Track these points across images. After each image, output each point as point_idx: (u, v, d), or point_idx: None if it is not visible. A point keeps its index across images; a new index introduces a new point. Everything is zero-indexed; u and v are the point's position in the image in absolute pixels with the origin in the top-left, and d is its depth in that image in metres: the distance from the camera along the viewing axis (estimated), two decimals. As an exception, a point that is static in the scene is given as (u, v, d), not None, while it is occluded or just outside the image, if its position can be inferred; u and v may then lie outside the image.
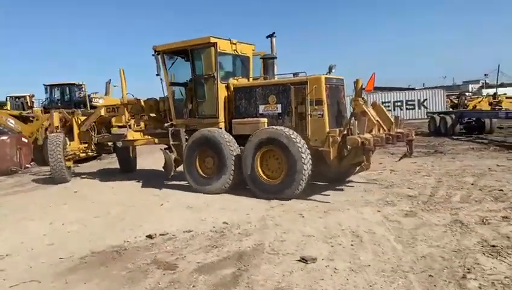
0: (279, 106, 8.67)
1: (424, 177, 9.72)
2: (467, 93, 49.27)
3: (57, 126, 12.52)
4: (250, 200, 8.01)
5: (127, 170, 13.18)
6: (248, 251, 5.27)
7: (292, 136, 7.83)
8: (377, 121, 8.26)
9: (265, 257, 5.02)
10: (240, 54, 9.88)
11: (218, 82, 9.16)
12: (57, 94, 23.97)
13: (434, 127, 21.93)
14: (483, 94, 44.26)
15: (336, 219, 6.52)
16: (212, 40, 9.06)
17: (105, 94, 24.17)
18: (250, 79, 9.91)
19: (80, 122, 12.35)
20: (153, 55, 9.90)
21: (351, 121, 7.77)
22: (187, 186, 9.35)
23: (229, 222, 6.55)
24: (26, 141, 15.42)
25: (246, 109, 9.10)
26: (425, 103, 39.32)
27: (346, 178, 9.59)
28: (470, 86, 78.56)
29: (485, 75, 79.88)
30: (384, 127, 8.31)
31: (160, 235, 6.08)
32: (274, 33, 10.00)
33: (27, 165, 14.96)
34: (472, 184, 8.65)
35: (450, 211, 6.69)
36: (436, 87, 45.73)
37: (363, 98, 8.21)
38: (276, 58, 9.78)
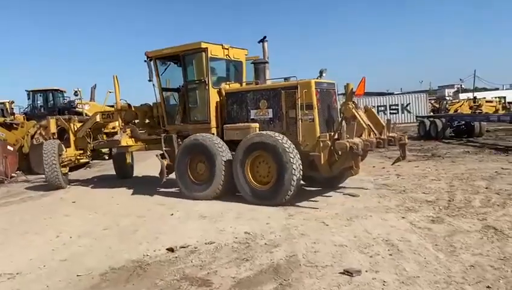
0: (270, 110, 8.60)
1: (434, 181, 9.59)
2: (447, 98, 50.26)
3: (54, 133, 12.45)
4: (266, 208, 7.68)
5: (124, 176, 13.08)
6: (282, 263, 4.95)
7: (281, 140, 7.74)
8: (368, 125, 8.21)
9: (304, 270, 4.71)
10: (232, 59, 9.82)
11: (210, 87, 9.09)
12: (39, 100, 23.13)
13: (424, 130, 22.09)
14: (459, 98, 45.17)
15: (362, 226, 6.26)
16: (203, 45, 9.01)
17: (90, 100, 23.46)
18: (244, 84, 9.80)
19: (75, 128, 12.26)
20: (145, 61, 9.80)
21: (341, 126, 7.68)
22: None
23: (250, 232, 6.22)
24: (11, 149, 14.76)
25: (238, 114, 9.02)
26: (408, 107, 39.83)
27: (339, 183, 9.44)
28: (446, 90, 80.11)
29: (461, 80, 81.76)
30: (375, 131, 8.26)
31: (181, 247, 5.71)
32: (265, 37, 9.98)
33: (13, 175, 14.32)
34: (486, 188, 8.54)
35: (476, 216, 6.52)
36: (418, 92, 46.41)
37: (353, 102, 8.16)
38: (267, 63, 9.76)
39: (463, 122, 21.41)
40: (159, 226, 6.86)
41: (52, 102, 22.97)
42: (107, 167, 16.27)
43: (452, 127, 21.12)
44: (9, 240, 6.58)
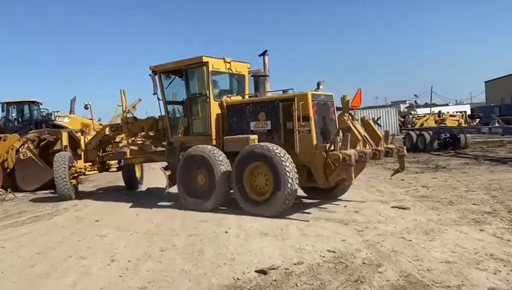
0: (268, 122, 8.74)
1: (470, 192, 9.48)
2: (412, 112, 51.86)
3: (66, 145, 12.77)
4: (326, 223, 7.26)
5: (132, 187, 13.45)
6: (404, 284, 4.51)
7: (277, 151, 7.79)
8: (364, 136, 8.24)
9: (438, 290, 4.30)
10: (234, 72, 9.99)
11: (211, 100, 9.26)
12: (14, 113, 21.57)
13: (410, 143, 22.34)
14: (417, 113, 46.77)
15: (448, 240, 5.93)
16: (204, 59, 9.21)
17: (70, 112, 22.21)
18: (246, 96, 9.94)
19: (86, 141, 12.61)
20: (149, 75, 10.04)
21: (335, 137, 7.76)
22: (227, 209, 8.65)
23: (335, 251, 5.73)
24: (-6, 165, 13.62)
25: (238, 125, 9.18)
26: (379, 121, 40.66)
27: (340, 195, 9.38)
28: (401, 105, 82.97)
29: (415, 95, 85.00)
30: (371, 143, 8.29)
31: (271, 269, 5.15)
32: (266, 51, 10.17)
33: (-1, 192, 13.14)
34: (530, 197, 8.50)
35: (555, 227, 6.38)
36: (388, 106, 47.56)
37: (350, 114, 8.25)
38: (267, 76, 9.90)
39: (448, 134, 21.87)
40: (224, 246, 6.22)
41: (28, 115, 21.49)
42: (99, 182, 15.34)
43: (439, 139, 21.51)
44: (61, 266, 5.74)
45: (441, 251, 5.50)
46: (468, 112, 52.59)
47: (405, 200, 8.92)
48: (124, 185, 13.73)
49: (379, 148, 8.29)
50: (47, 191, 13.44)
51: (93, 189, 14.17)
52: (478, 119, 46.55)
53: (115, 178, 15.59)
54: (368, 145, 8.19)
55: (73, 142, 15.75)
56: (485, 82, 69.80)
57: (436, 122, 34.26)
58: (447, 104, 73.70)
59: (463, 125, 32.62)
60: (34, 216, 9.61)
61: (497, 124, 28.14)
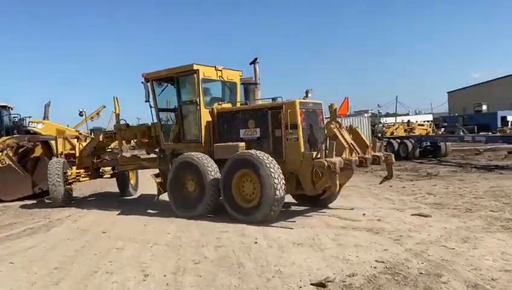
0: (258, 130, 8.77)
1: (480, 199, 9.54)
2: (382, 120, 52.93)
3: (61, 152, 12.90)
4: (355, 232, 7.03)
5: (126, 194, 13.40)
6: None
7: (264, 159, 7.81)
8: (351, 144, 8.30)
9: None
10: (226, 80, 10.02)
11: (202, 107, 9.31)
12: (-19, 118, 20.23)
13: (392, 151, 22.58)
14: (382, 122, 47.90)
15: (493, 248, 5.83)
16: (195, 67, 9.24)
17: (44, 118, 21.11)
18: (238, 104, 9.97)
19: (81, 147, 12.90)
20: (142, 82, 10.06)
21: (321, 145, 7.87)
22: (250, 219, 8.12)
23: (383, 261, 5.50)
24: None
25: (228, 133, 9.21)
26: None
27: (329, 202, 9.36)
28: (365, 115, 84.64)
29: (378, 105, 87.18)
30: (358, 151, 8.34)
31: (327, 281, 4.86)
32: (256, 59, 10.20)
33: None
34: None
35: None
36: (360, 114, 48.28)
37: (337, 122, 8.29)
38: (256, 84, 9.96)
39: (429, 143, 22.28)
40: (262, 257, 5.87)
41: (-2, 120, 20.23)
42: (85, 190, 14.60)
43: (421, 147, 21.87)
44: (91, 283, 5.22)
45: (492, 259, 5.39)
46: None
47: (420, 208, 8.84)
48: (111, 191, 13.78)
49: (366, 156, 8.32)
50: (30, 202, 12.69)
51: (80, 197, 13.65)
52: (443, 129, 48.11)
53: (101, 185, 15.13)
54: (354, 153, 8.22)
55: (50, 149, 15.19)
56: (447, 92, 72.34)
57: (405, 130, 35.01)
58: (407, 114, 75.83)
59: (431, 133, 33.54)
60: (28, 228, 8.92)
61: (462, 133, 29.21)
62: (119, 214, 10.10)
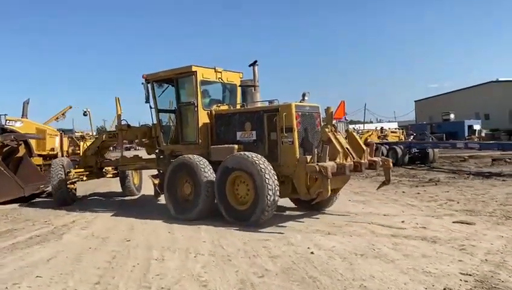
0: (254, 132, 8.73)
1: (508, 206, 9.35)
2: (351, 127, 53.47)
3: (66, 151, 13.73)
4: (411, 241, 6.60)
5: (128, 193, 13.33)
6: None
7: (257, 162, 7.73)
8: (346, 149, 8.20)
9: None
10: (225, 82, 9.98)
11: (199, 109, 9.24)
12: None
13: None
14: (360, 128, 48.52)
15: None
16: (194, 68, 9.20)
17: (22, 116, 19.72)
18: (238, 106, 9.89)
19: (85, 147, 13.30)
20: (142, 83, 10.06)
21: (316, 149, 7.75)
22: (290, 227, 7.70)
23: (469, 273, 5.08)
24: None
25: (225, 135, 9.14)
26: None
27: (326, 207, 9.24)
28: (344, 121, 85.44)
29: (345, 113, 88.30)
30: (354, 155, 8.25)
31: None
32: (256, 61, 9.99)
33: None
34: None
35: None
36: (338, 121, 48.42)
37: (333, 126, 8.25)
38: (254, 86, 9.82)
39: (418, 149, 22.38)
40: (333, 270, 5.33)
41: (-28, 118, 18.72)
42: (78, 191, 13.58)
43: (410, 153, 21.93)
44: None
45: None
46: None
47: (455, 215, 8.56)
48: (107, 191, 13.93)
49: (361, 160, 8.22)
50: (16, 205, 11.68)
51: (79, 196, 13.03)
52: (412, 136, 49.16)
53: (96, 184, 14.83)
54: (349, 158, 8.07)
55: (29, 149, 14.44)
56: (415, 101, 74.00)
57: (378, 137, 35.41)
58: (370, 122, 77.30)
59: (403, 140, 34.03)
60: (35, 235, 8.01)
61: (431, 140, 29.77)
62: (129, 217, 9.42)
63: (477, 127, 48.51)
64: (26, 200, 12.39)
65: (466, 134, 46.17)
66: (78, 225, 8.86)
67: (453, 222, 7.89)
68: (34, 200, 12.75)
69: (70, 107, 25.09)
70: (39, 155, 18.28)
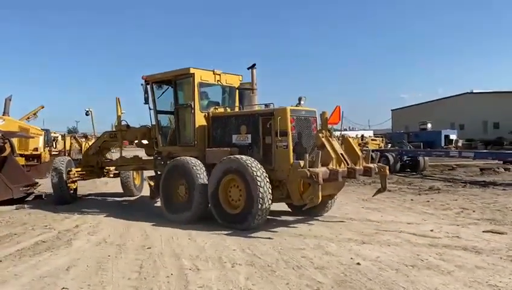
0: (249, 136, 8.62)
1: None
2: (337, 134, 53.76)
3: (68, 150, 13.54)
4: (453, 251, 6.30)
5: (129, 194, 13.21)
6: None
7: (250, 165, 7.61)
8: (341, 154, 8.10)
9: None
10: (224, 84, 9.96)
11: (196, 111, 9.19)
12: None
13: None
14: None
15: None
16: (191, 70, 9.21)
17: (4, 113, 18.72)
18: (236, 108, 9.81)
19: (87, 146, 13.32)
20: (142, 84, 10.02)
21: (306, 155, 7.60)
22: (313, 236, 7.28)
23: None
24: None
25: (221, 138, 9.09)
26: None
27: (322, 213, 9.14)
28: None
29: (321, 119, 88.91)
30: (348, 161, 8.12)
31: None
32: (255, 65, 9.85)
33: None
34: None
35: None
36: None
37: (328, 131, 8.22)
38: (251, 89, 9.62)
39: (409, 157, 22.38)
40: (394, 283, 4.96)
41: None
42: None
43: (402, 161, 21.91)
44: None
45: None
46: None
47: (479, 224, 8.36)
48: (105, 191, 13.95)
49: (356, 167, 8.08)
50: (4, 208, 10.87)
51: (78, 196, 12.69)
52: (390, 144, 49.76)
53: (95, 185, 14.83)
54: (343, 164, 7.92)
55: (12, 148, 13.90)
56: (391, 110, 75.15)
57: (359, 144, 35.69)
58: (345, 129, 77.81)
59: (383, 147, 34.34)
60: (40, 241, 7.33)
61: (408, 148, 30.05)
62: (136, 221, 8.98)
63: (453, 136, 49.41)
64: (13, 203, 11.54)
65: (443, 143, 47.11)
66: (83, 229, 8.22)
67: (483, 231, 7.66)
68: (20, 203, 11.85)
69: (43, 107, 24.16)
70: (21, 155, 17.37)
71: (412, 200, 11.84)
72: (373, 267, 5.54)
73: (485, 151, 24.30)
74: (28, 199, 12.66)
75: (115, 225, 8.65)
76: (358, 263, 5.71)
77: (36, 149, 18.33)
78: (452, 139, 49.94)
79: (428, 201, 11.57)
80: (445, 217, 9.24)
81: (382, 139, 42.05)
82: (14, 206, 11.12)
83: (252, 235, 7.43)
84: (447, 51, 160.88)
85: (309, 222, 8.65)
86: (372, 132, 73.25)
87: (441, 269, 5.44)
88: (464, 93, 60.69)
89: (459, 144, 46.70)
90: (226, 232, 7.59)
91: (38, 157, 18.17)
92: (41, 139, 18.45)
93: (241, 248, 6.56)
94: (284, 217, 9.07)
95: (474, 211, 9.86)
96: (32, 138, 16.58)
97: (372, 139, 40.47)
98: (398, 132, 61.27)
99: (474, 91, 59.78)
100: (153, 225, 8.47)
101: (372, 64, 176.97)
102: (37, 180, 13.68)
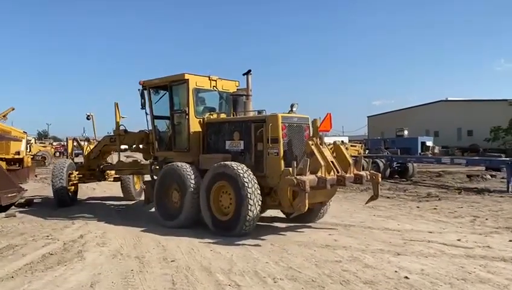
0: (241, 142, 8.59)
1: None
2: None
3: (71, 153, 13.60)
4: (491, 262, 6.10)
5: (128, 198, 13.26)
6: None
7: (240, 171, 7.58)
8: (331, 162, 8.06)
9: None
10: (220, 90, 9.92)
11: (191, 117, 9.17)
12: None
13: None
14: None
15: None
16: (186, 76, 9.19)
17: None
18: (232, 114, 9.73)
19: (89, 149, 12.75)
20: (139, 89, 10.06)
21: (294, 162, 7.52)
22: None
23: None
24: None
25: (215, 144, 9.07)
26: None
27: (315, 219, 9.08)
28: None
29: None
30: (338, 169, 8.06)
31: None
32: (250, 71, 9.83)
33: None
34: None
35: None
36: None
37: (319, 138, 8.18)
38: (246, 95, 9.59)
39: (399, 163, 22.40)
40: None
41: None
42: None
43: (391, 167, 21.91)
44: None
45: None
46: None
47: (501, 233, 8.25)
48: (103, 196, 14.01)
49: (346, 174, 8.00)
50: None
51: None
52: (367, 150, 50.22)
53: (94, 188, 14.72)
54: (333, 171, 7.87)
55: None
56: (367, 117, 76.05)
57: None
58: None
59: (362, 154, 34.49)
60: (47, 253, 6.74)
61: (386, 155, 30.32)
62: (142, 228, 8.53)
63: (429, 143, 50.20)
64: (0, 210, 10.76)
65: (419, 150, 47.84)
66: (90, 240, 7.63)
67: (510, 241, 7.50)
68: (8, 211, 11.07)
69: (13, 109, 23.19)
70: (1, 159, 16.48)
71: (418, 207, 11.68)
72: (424, 282, 5.24)
73: (477, 158, 24.50)
74: (14, 206, 11.90)
75: (122, 234, 8.10)
76: (406, 277, 5.40)
77: (18, 153, 17.40)
78: (429, 146, 50.67)
79: (435, 208, 11.43)
80: (461, 225, 9.08)
81: (361, 146, 42.25)
82: (3, 214, 10.37)
83: (275, 244, 7.08)
84: (418, 60, 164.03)
85: (327, 231, 8.33)
86: (347, 138, 74.05)
87: (495, 283, 5.21)
88: (438, 101, 61.91)
89: (436, 150, 47.30)
90: (248, 243, 7.21)
91: (20, 161, 17.24)
92: (23, 142, 17.55)
93: (273, 261, 6.17)
94: (291, 225, 8.73)
95: (487, 219, 9.75)
96: (20, 141, 15.74)
97: (351, 145, 40.52)
98: (375, 139, 62.05)
99: (448, 99, 61.08)
100: (163, 234, 7.99)
101: (344, 72, 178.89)
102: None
